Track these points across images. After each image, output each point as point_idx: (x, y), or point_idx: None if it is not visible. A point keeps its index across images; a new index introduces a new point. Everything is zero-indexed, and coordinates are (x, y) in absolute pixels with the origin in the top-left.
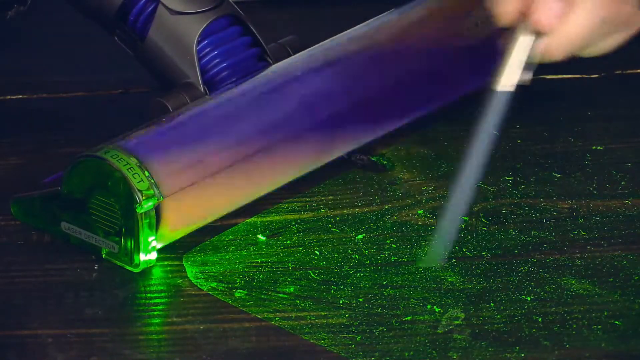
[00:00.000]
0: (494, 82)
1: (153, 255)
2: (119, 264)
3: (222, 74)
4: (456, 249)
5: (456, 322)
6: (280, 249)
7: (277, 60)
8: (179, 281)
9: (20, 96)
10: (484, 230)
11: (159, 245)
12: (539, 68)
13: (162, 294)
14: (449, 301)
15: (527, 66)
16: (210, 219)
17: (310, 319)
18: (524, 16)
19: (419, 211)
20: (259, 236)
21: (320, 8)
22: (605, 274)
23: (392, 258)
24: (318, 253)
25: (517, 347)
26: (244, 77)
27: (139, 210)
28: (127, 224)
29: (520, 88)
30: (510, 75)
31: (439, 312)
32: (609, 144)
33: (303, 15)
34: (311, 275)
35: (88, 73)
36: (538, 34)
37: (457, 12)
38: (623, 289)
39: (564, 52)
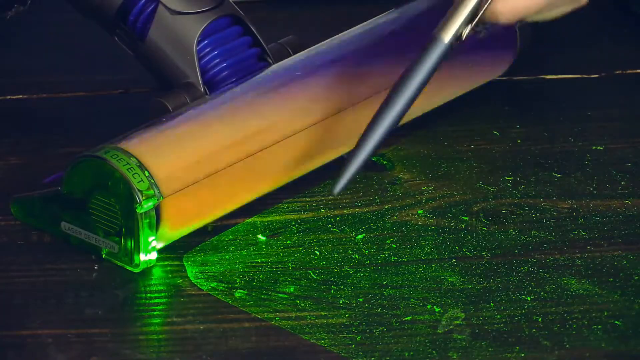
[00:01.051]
0: (438, 29)
1: (153, 255)
2: (119, 264)
3: (222, 73)
4: (456, 248)
5: (456, 322)
6: (280, 249)
7: (277, 60)
8: (179, 281)
9: (20, 96)
10: (484, 230)
11: (159, 245)
12: (539, 68)
13: (162, 294)
14: (449, 301)
15: (469, 21)
16: (210, 219)
17: (310, 319)
18: None
19: (419, 211)
20: (259, 236)
21: (320, 8)
22: (605, 274)
23: (392, 258)
24: (318, 253)
25: (517, 347)
26: (244, 77)
27: (139, 210)
28: (127, 224)
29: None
30: (453, 27)
31: (439, 312)
32: (609, 144)
33: (303, 15)
34: (311, 275)
35: (88, 73)
36: None
37: None
38: (623, 289)
39: (511, 16)
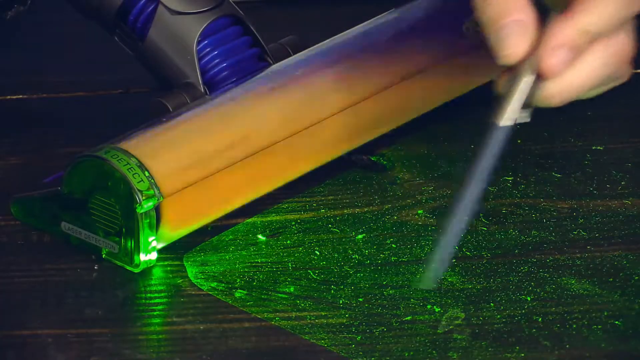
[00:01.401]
0: (494, 116)
1: (153, 256)
2: (119, 264)
3: (222, 73)
4: (456, 248)
5: (456, 322)
6: (280, 249)
7: (277, 60)
8: (179, 281)
9: (20, 96)
10: (484, 230)
11: (159, 245)
12: None
13: (162, 294)
14: (449, 301)
15: (526, 105)
16: (210, 219)
17: (310, 319)
18: (529, 56)
19: (419, 211)
20: (259, 236)
21: (320, 8)
22: (605, 274)
23: (392, 258)
24: (318, 253)
25: (517, 347)
26: (244, 77)
27: (139, 211)
28: (127, 224)
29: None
30: (510, 113)
31: (439, 312)
32: (609, 144)
33: (303, 15)
34: (311, 275)
35: (88, 73)
36: (542, 76)
37: (456, 14)
38: (623, 289)
39: (563, 98)
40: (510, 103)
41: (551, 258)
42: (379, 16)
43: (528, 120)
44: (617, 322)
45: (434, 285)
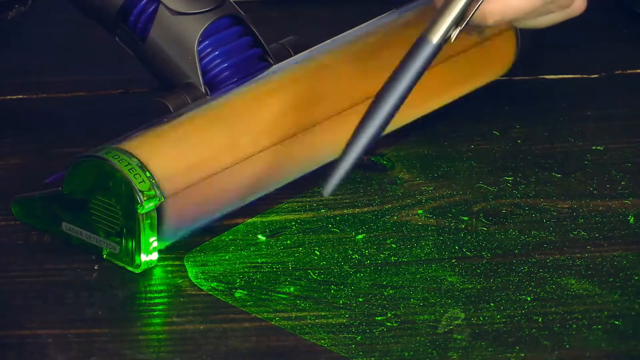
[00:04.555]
0: (425, 30)
1: (154, 256)
2: (120, 264)
3: (223, 74)
4: (456, 248)
5: (456, 322)
6: (280, 249)
7: (278, 60)
8: (179, 281)
9: (20, 96)
10: (484, 230)
11: (160, 246)
12: (539, 68)
13: (162, 294)
14: (449, 301)
15: (460, 21)
16: (210, 219)
17: (310, 319)
18: None
19: (419, 211)
20: (259, 236)
21: (320, 8)
22: (605, 274)
23: (392, 258)
24: (318, 253)
25: (517, 347)
26: (245, 77)
27: (140, 211)
28: (128, 225)
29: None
30: (441, 28)
31: (439, 312)
32: (609, 144)
33: (303, 15)
34: (311, 275)
35: (88, 73)
36: None
37: None
38: (623, 289)
39: (500, 18)
40: (445, 18)
41: (551, 258)
42: (379, 16)
43: (452, 41)
44: (617, 322)
45: (326, 194)
